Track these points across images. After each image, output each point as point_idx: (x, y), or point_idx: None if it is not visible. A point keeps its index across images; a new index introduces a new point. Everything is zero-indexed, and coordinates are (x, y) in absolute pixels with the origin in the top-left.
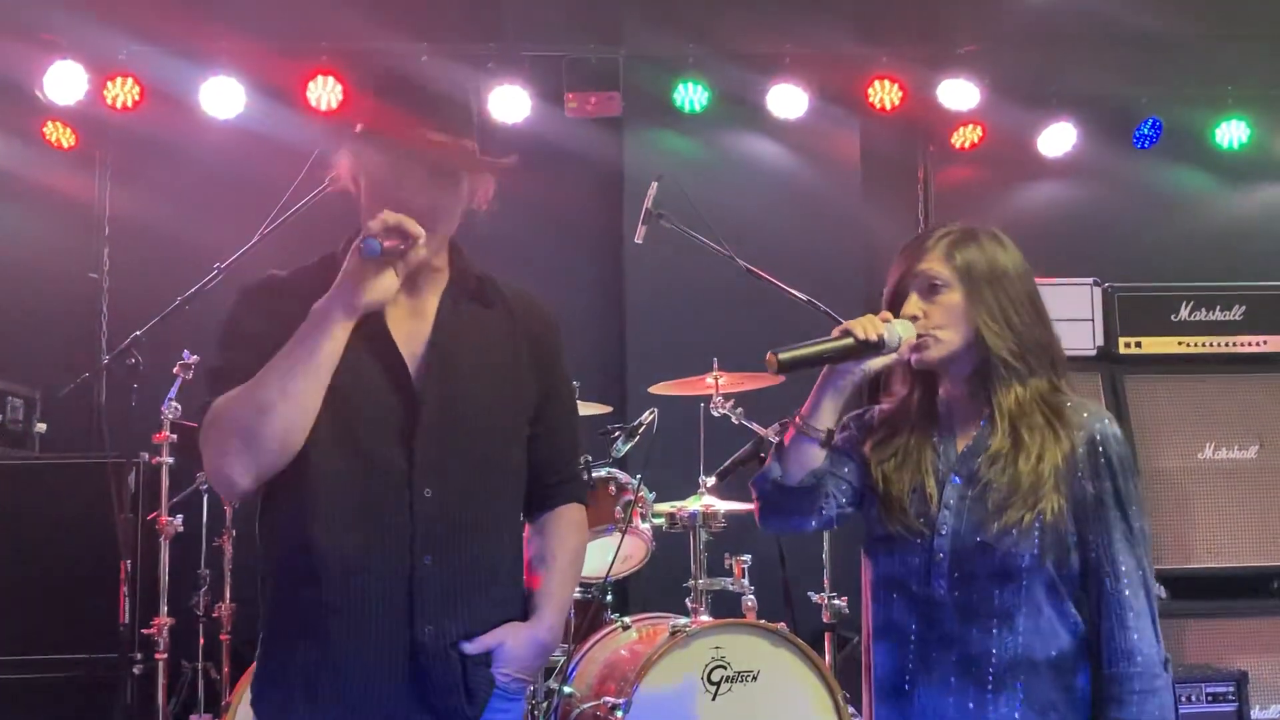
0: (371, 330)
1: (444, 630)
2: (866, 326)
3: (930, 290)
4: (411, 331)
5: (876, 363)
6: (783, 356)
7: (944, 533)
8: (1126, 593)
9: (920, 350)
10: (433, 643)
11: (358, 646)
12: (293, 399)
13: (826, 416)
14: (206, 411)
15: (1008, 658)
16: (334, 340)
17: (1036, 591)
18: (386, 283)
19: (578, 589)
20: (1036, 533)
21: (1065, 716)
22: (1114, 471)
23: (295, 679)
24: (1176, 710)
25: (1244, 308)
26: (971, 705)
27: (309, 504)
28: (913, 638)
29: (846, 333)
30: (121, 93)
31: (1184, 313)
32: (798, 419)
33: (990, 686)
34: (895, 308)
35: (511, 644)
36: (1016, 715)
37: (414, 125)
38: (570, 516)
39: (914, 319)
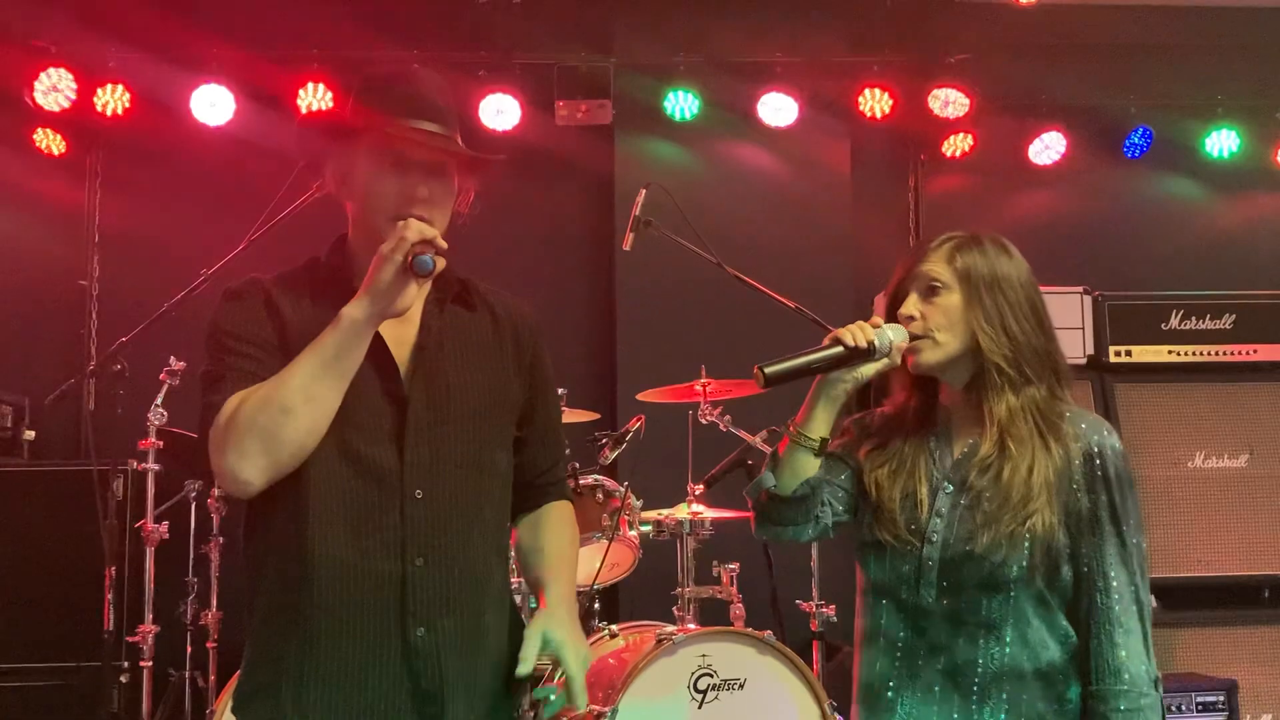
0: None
1: (437, 632)
2: (855, 333)
3: (929, 291)
4: (398, 335)
5: (869, 369)
6: (768, 370)
7: (934, 540)
8: (1116, 609)
9: (915, 353)
10: (424, 645)
11: (348, 651)
12: (317, 402)
13: (820, 425)
14: (214, 412)
15: (994, 668)
16: (362, 345)
17: (1024, 603)
18: (413, 292)
19: None
20: (1026, 545)
21: None
22: (1110, 485)
23: (283, 685)
24: None
25: (1234, 317)
26: (956, 715)
27: (299, 506)
28: (899, 645)
29: (836, 340)
30: (112, 100)
31: (1174, 321)
32: (791, 428)
33: (975, 696)
34: (894, 309)
35: (557, 633)
36: None
37: (404, 123)
38: (560, 512)
39: (911, 319)
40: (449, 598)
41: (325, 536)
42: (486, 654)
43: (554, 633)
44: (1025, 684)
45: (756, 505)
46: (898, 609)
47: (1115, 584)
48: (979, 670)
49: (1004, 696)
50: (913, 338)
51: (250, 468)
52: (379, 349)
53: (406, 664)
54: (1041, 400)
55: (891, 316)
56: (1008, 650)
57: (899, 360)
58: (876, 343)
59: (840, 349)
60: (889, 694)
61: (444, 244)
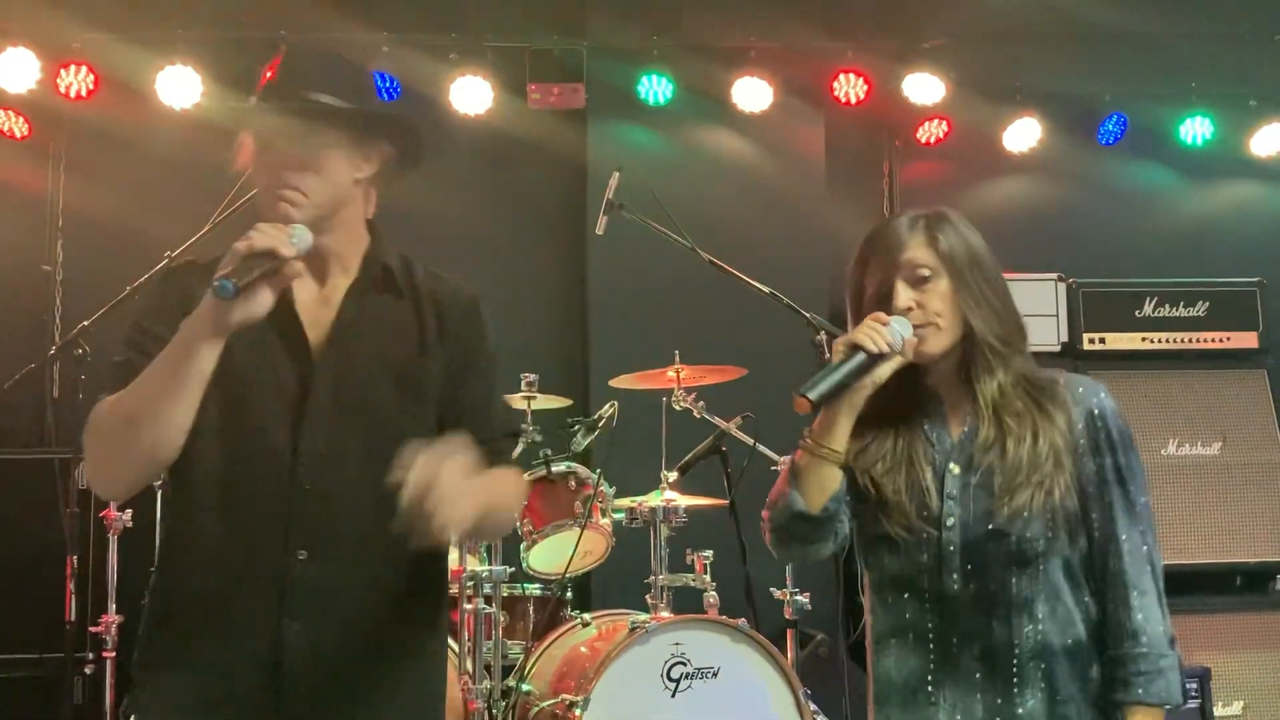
0: (281, 318)
1: (312, 629)
2: (874, 338)
3: (919, 280)
4: (317, 320)
5: (886, 369)
6: (813, 396)
7: (951, 525)
8: (1130, 571)
9: (921, 342)
10: (296, 641)
11: (221, 641)
12: (160, 417)
13: (843, 435)
14: (95, 409)
15: (1030, 647)
16: (201, 360)
17: (1055, 575)
18: (259, 300)
19: (537, 585)
20: (1049, 513)
21: (1081, 708)
22: (1114, 446)
23: (160, 673)
24: (1183, 689)
25: (1207, 304)
26: (999, 700)
27: (189, 493)
28: (931, 637)
29: (855, 347)
30: (75, 81)
31: (1148, 309)
32: (810, 441)
33: (1015, 679)
34: (883, 304)
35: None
36: (1043, 708)
37: (286, 90)
38: (505, 470)
39: (910, 309)
40: (332, 593)
41: (209, 524)
42: (370, 668)
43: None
44: (1058, 661)
45: (780, 528)
46: (922, 601)
47: (1127, 546)
48: (1016, 651)
49: (1039, 675)
50: (915, 328)
51: (106, 475)
52: (294, 334)
53: (276, 660)
54: (1028, 369)
55: (879, 310)
56: (1041, 627)
57: (910, 355)
58: (892, 342)
59: (863, 356)
60: (929, 689)
61: (288, 251)
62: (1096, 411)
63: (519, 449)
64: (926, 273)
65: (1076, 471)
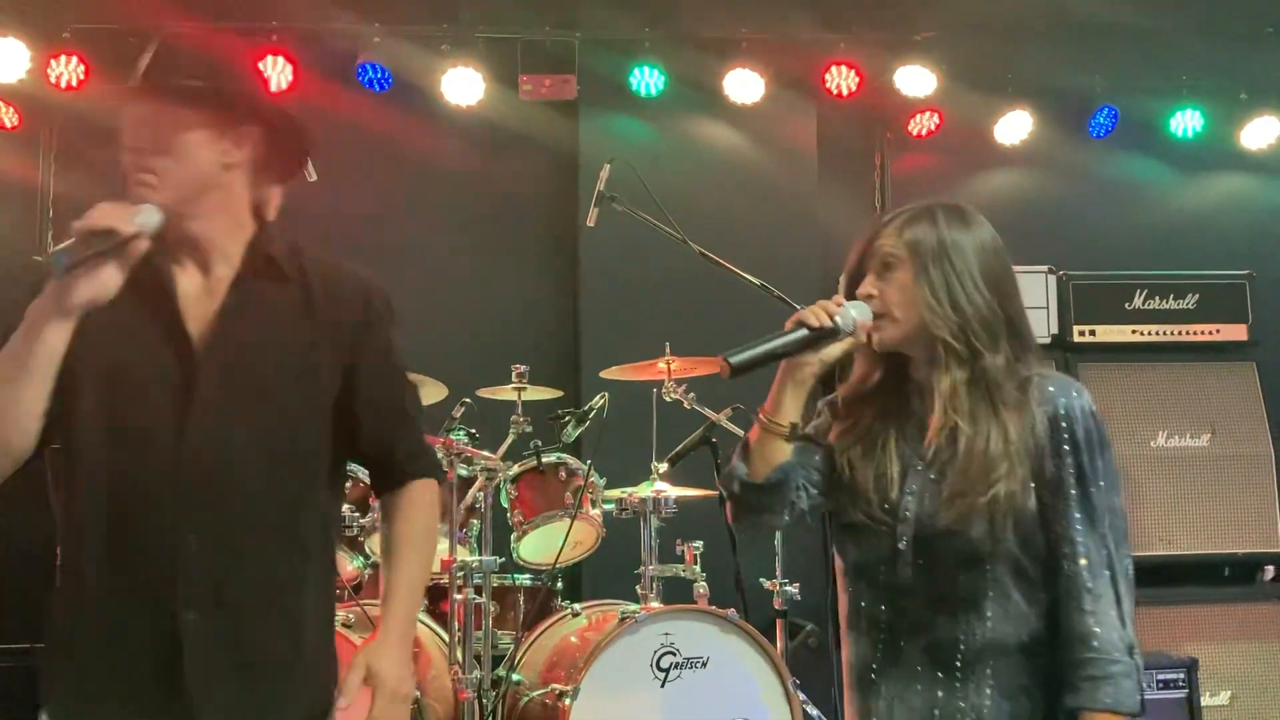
0: (162, 312)
1: (209, 616)
2: (818, 313)
3: (884, 268)
4: (201, 312)
5: (835, 349)
6: (734, 360)
7: (907, 519)
8: (1084, 575)
9: (877, 331)
10: (194, 630)
11: (120, 633)
12: (5, 403)
13: (789, 410)
14: None
15: (976, 644)
16: (45, 342)
17: (1003, 576)
18: (103, 279)
19: (527, 576)
20: (997, 515)
21: (1037, 700)
22: (1076, 447)
23: (69, 664)
24: (1140, 696)
25: (1197, 297)
26: (941, 694)
27: (75, 487)
28: (881, 626)
29: (800, 323)
30: (66, 71)
31: (1138, 301)
32: (761, 415)
33: (959, 673)
34: (853, 288)
35: (377, 666)
36: (988, 703)
37: (150, 78)
38: (414, 495)
39: (870, 297)
40: (225, 583)
41: (98, 527)
42: (267, 648)
43: (375, 665)
44: (1009, 658)
45: (731, 496)
46: (877, 589)
47: (1082, 549)
48: (961, 647)
49: (989, 672)
50: (875, 316)
51: None
52: (175, 326)
53: (176, 651)
54: (997, 370)
55: (851, 295)
56: (989, 625)
57: (864, 338)
58: (840, 321)
59: (804, 331)
60: (872, 676)
61: (129, 229)
62: (1062, 413)
63: (442, 454)
64: (891, 261)
65: (1037, 473)
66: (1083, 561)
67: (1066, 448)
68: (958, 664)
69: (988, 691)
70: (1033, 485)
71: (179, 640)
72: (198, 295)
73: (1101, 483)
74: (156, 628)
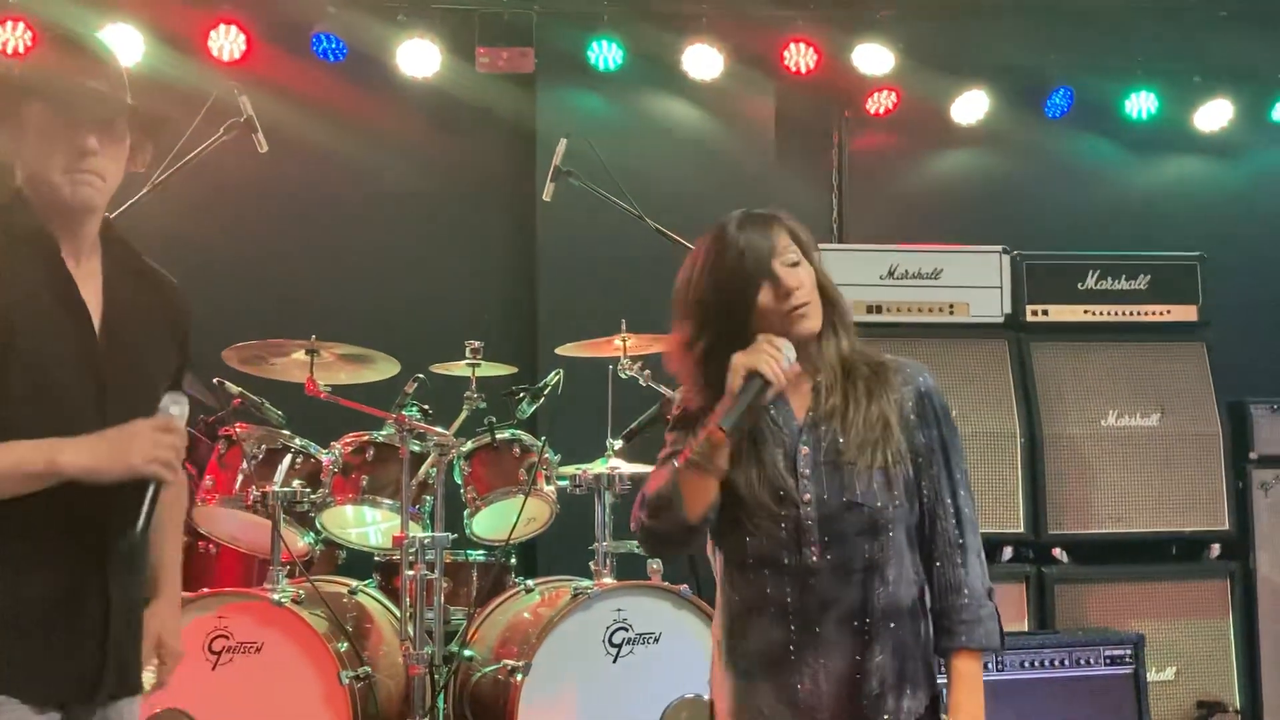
0: (63, 292)
1: (122, 590)
2: (772, 366)
3: (793, 264)
4: (89, 299)
5: (771, 392)
6: (728, 427)
7: (808, 500)
8: (954, 532)
9: (804, 320)
10: (118, 604)
11: (62, 618)
12: None
13: (726, 450)
14: None
15: (880, 607)
16: None
17: (900, 539)
18: None
19: (480, 552)
20: (895, 481)
21: (918, 662)
22: (940, 419)
23: (12, 650)
24: (1001, 636)
25: (1149, 278)
26: (858, 657)
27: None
28: (790, 609)
29: (753, 373)
30: (13, 38)
31: (1090, 282)
32: (696, 456)
33: (867, 637)
34: (747, 302)
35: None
36: (891, 662)
37: (80, 82)
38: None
39: (799, 288)
40: (129, 558)
41: (38, 509)
42: (137, 613)
43: (163, 633)
44: (903, 619)
45: (658, 535)
46: (782, 575)
47: (952, 508)
48: (869, 611)
49: (888, 632)
50: (796, 308)
51: None
52: (81, 318)
53: (105, 626)
54: (861, 345)
55: (749, 314)
56: (891, 589)
57: (784, 382)
58: (788, 359)
59: (760, 381)
60: (791, 657)
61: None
62: (924, 389)
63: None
64: (795, 257)
65: (910, 442)
66: (953, 519)
67: (933, 419)
68: (866, 627)
69: (888, 649)
70: (908, 453)
71: (109, 615)
72: (83, 279)
73: (959, 450)
74: (96, 608)
